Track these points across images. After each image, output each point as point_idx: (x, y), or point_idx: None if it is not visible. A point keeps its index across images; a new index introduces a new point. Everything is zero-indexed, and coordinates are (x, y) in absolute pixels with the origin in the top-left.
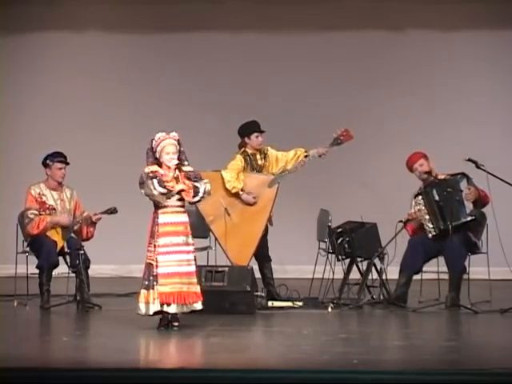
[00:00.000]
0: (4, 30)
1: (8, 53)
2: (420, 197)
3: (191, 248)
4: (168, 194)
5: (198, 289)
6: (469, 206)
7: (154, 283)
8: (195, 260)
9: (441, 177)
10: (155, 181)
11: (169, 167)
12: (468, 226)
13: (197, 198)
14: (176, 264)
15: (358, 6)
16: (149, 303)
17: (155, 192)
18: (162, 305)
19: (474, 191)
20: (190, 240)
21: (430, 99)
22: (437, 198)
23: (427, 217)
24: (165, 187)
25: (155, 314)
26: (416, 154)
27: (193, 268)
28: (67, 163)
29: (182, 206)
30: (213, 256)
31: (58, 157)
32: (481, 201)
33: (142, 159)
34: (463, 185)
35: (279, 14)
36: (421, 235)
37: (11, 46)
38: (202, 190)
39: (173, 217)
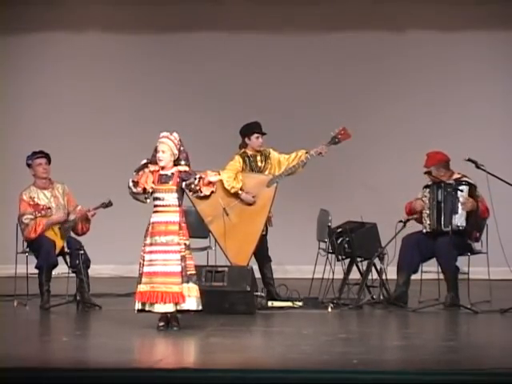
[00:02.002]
0: (4, 30)
1: (8, 53)
2: (428, 190)
3: (177, 248)
4: (144, 194)
5: (181, 289)
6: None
7: (138, 281)
8: (183, 259)
9: (456, 176)
10: (130, 180)
11: (162, 167)
12: (460, 232)
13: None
14: (161, 263)
15: (358, 6)
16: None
17: (128, 190)
18: (144, 304)
19: (471, 202)
20: (177, 240)
21: (430, 99)
22: (439, 198)
23: (428, 211)
24: (135, 186)
25: (140, 311)
26: (431, 158)
27: (176, 268)
28: (48, 158)
29: (178, 206)
30: (213, 256)
31: (36, 154)
32: (477, 214)
33: (142, 159)
34: (465, 192)
35: (279, 14)
36: (415, 234)
37: (11, 45)
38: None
39: (163, 216)
